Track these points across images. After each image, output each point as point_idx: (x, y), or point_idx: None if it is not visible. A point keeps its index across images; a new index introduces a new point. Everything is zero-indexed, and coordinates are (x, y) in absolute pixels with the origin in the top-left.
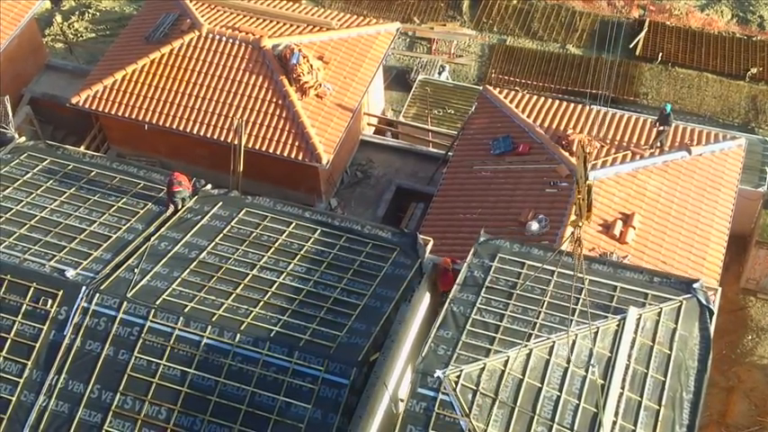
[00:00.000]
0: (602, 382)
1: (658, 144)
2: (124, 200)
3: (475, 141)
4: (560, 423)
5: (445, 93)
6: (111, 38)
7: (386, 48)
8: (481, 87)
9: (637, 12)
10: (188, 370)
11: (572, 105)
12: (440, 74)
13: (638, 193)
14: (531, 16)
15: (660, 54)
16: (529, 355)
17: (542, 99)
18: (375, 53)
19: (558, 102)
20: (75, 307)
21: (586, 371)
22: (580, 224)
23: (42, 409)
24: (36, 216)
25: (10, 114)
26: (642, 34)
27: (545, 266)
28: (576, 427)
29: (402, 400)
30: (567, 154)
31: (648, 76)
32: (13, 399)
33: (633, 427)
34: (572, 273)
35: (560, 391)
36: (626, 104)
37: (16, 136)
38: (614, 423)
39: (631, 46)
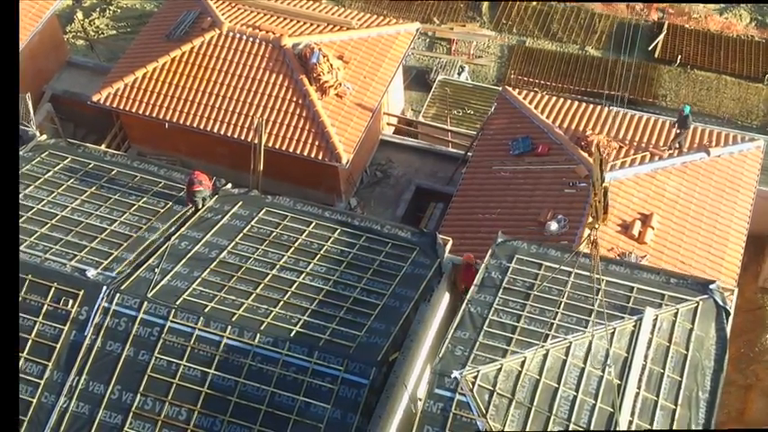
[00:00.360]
0: (619, 382)
1: (677, 145)
2: (145, 199)
3: (494, 142)
4: (576, 422)
5: (465, 93)
6: (131, 35)
7: (406, 48)
8: (500, 88)
9: (656, 14)
10: (208, 370)
11: (591, 106)
12: (459, 74)
13: (657, 194)
14: (551, 18)
15: (679, 56)
16: (546, 356)
17: (561, 100)
18: (395, 53)
19: (576, 103)
20: (96, 307)
21: (603, 371)
22: (596, 226)
23: (63, 410)
24: (57, 215)
25: (31, 112)
26: (661, 37)
27: (562, 267)
28: (592, 427)
29: (420, 400)
30: (585, 155)
31: (667, 78)
32: (34, 400)
33: (649, 427)
34: (589, 273)
35: (577, 391)
36: (645, 106)
37: (37, 134)
38: (630, 422)
39: (650, 48)
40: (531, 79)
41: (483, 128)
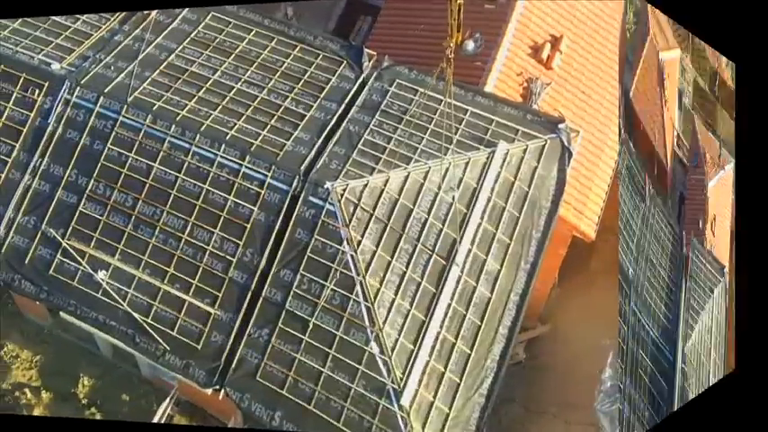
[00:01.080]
0: (465, 210)
1: None
2: None
3: None
4: (424, 244)
5: None
6: None
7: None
8: None
9: None
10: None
11: None
12: None
13: (569, 14)
14: None
15: None
16: (407, 178)
17: None
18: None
19: None
20: None
21: (452, 197)
22: (451, 44)
23: None
24: None
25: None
26: None
27: (432, 94)
28: (436, 251)
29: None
30: None
31: None
32: None
33: (484, 256)
34: (458, 103)
35: (428, 214)
36: None
37: None
38: (469, 251)
39: None
40: None
41: None
